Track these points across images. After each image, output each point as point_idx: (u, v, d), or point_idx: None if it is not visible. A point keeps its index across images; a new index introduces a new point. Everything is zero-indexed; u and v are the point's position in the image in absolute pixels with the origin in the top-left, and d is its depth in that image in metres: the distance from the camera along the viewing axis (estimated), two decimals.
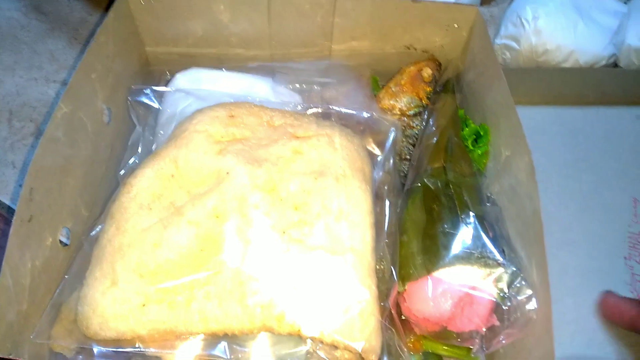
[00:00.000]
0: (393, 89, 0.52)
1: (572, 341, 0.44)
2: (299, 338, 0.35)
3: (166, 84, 0.54)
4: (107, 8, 0.49)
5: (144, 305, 0.35)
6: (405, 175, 0.49)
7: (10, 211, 0.52)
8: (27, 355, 0.35)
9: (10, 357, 0.33)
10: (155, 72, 0.56)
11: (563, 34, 0.58)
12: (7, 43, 0.63)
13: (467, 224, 0.39)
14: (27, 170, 0.36)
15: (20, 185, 0.52)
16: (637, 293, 0.46)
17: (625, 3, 0.62)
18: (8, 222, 0.51)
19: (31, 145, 0.55)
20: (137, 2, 0.50)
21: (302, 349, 0.36)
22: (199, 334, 0.36)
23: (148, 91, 0.47)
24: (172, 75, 0.54)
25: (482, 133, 0.47)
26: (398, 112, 0.51)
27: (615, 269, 0.48)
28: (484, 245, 0.38)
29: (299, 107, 0.47)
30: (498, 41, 0.64)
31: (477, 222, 0.39)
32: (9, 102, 0.58)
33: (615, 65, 0.60)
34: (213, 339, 0.36)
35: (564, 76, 0.58)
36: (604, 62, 0.59)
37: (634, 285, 0.47)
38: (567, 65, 0.58)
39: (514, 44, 0.61)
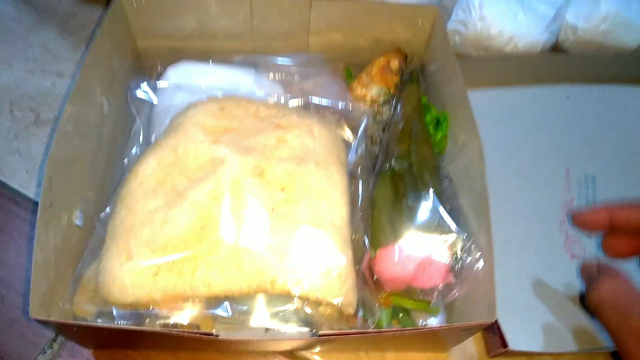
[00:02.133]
0: (364, 79, 0.58)
1: (516, 298, 0.49)
2: (289, 297, 0.42)
3: (158, 76, 0.59)
4: (107, 3, 0.53)
5: (156, 274, 0.41)
6: (376, 157, 0.55)
7: (19, 195, 0.56)
8: (57, 318, 0.41)
9: (47, 319, 0.39)
10: (147, 65, 0.60)
11: (504, 21, 0.62)
12: (1, 35, 0.66)
13: (426, 199, 0.46)
14: (46, 162, 0.41)
15: (27, 172, 0.57)
16: (570, 252, 0.54)
17: None
18: (18, 204, 0.56)
19: (33, 134, 0.59)
20: (130, 3, 0.54)
21: (292, 306, 0.43)
22: (203, 296, 0.42)
23: (144, 86, 0.52)
24: (163, 67, 0.59)
25: (441, 120, 0.53)
26: (369, 101, 0.58)
27: (552, 234, 0.54)
28: (440, 217, 0.45)
29: (282, 99, 0.53)
30: (450, 25, 0.67)
31: (435, 197, 0.46)
32: (9, 94, 0.62)
33: (550, 50, 0.65)
34: (216, 301, 0.42)
35: (504, 61, 0.63)
36: (540, 47, 0.63)
37: (569, 245, 0.53)
38: (507, 49, 0.62)
39: (463, 29, 0.65)
